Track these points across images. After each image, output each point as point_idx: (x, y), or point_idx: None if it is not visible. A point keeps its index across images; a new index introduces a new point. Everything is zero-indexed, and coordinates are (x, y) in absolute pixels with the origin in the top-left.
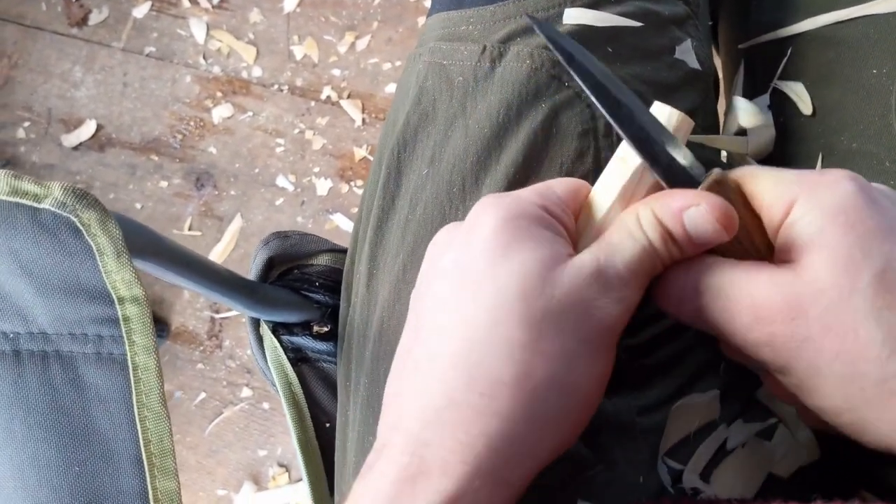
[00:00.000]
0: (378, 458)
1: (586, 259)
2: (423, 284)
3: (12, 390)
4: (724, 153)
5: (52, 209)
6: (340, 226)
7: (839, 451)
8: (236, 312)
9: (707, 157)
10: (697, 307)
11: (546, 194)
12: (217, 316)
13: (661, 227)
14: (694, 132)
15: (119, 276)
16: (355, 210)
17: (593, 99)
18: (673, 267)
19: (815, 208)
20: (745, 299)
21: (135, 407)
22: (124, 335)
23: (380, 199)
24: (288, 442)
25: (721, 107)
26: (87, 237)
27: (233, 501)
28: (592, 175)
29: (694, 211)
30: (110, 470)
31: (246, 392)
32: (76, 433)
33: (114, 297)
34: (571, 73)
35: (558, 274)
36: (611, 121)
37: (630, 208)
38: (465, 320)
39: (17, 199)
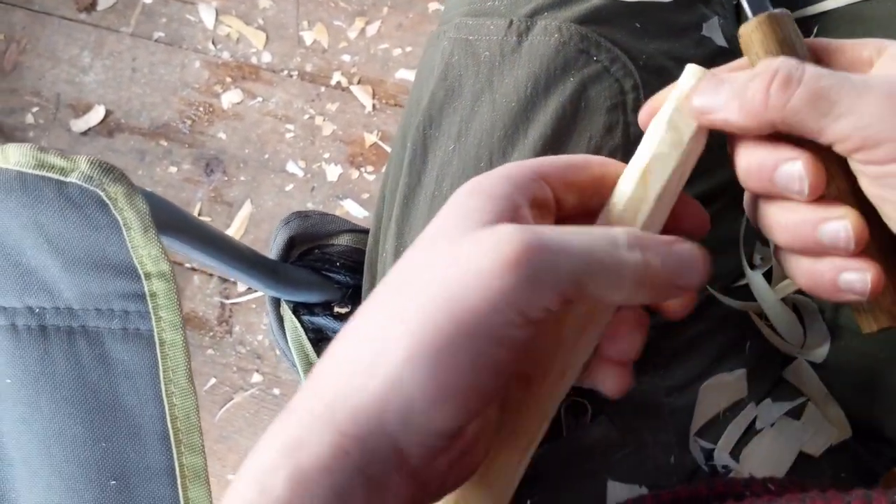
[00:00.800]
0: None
1: (512, 225)
2: None
3: (39, 366)
4: None
5: (79, 183)
6: (351, 212)
7: (870, 429)
8: (246, 298)
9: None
10: (821, 109)
11: (520, 168)
12: (227, 301)
13: (632, 238)
14: None
15: (146, 251)
16: (366, 196)
17: None
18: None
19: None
20: (877, 89)
21: (162, 383)
22: (151, 311)
23: (406, 176)
24: None
25: None
26: (113, 211)
27: None
28: (621, 150)
29: (679, 246)
30: (137, 446)
31: (256, 378)
32: (103, 409)
33: (140, 272)
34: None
35: (469, 234)
36: None
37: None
38: (386, 281)
39: (44, 173)
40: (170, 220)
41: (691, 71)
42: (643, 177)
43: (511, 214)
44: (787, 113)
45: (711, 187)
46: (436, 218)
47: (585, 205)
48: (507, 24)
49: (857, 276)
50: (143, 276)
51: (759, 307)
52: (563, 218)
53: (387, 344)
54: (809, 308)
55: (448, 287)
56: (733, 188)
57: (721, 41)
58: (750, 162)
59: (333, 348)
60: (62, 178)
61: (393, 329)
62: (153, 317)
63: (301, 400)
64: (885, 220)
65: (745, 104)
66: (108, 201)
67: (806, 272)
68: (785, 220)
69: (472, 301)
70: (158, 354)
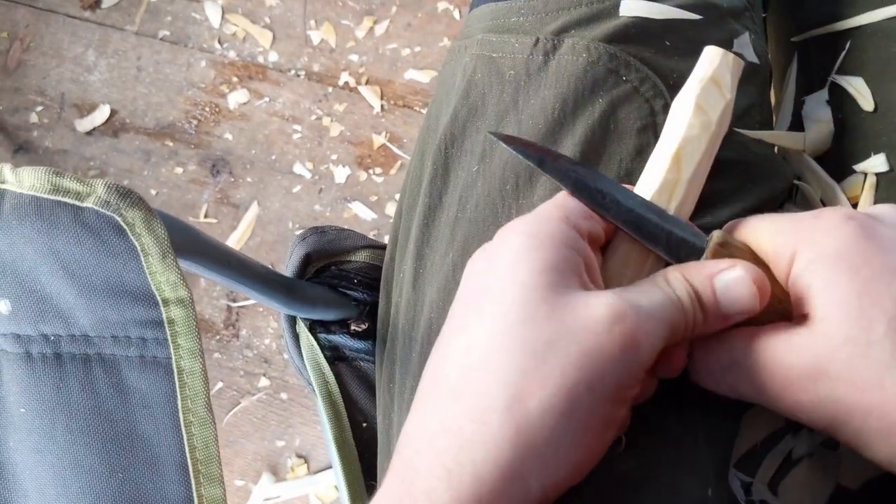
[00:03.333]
0: (381, 481)
1: (609, 293)
2: (452, 307)
3: (54, 394)
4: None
5: (96, 208)
6: (359, 214)
7: None
8: (253, 301)
9: (763, 153)
10: (729, 383)
11: (571, 203)
12: (234, 305)
13: (689, 287)
14: (750, 127)
15: (164, 277)
16: (374, 198)
17: (576, 196)
18: (701, 345)
19: (815, 258)
20: (768, 370)
21: (180, 412)
22: (169, 338)
23: (426, 195)
24: (306, 433)
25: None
26: (131, 237)
27: (251, 492)
28: None
29: (728, 275)
30: (155, 476)
31: (263, 382)
32: (119, 438)
33: (158, 298)
34: (547, 176)
35: (572, 300)
36: (597, 211)
37: (658, 272)
38: (469, 347)
39: (59, 198)
40: (185, 242)
41: (711, 52)
42: (675, 160)
43: (583, 263)
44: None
45: (744, 208)
46: (497, 265)
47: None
48: (532, 42)
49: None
50: (160, 303)
51: None
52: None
53: (526, 418)
54: None
55: (578, 364)
56: (766, 208)
57: (752, 57)
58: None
59: (441, 417)
60: (78, 203)
61: (530, 400)
62: (171, 344)
63: (429, 479)
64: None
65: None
66: (125, 227)
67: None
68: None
69: (602, 371)
70: (176, 383)
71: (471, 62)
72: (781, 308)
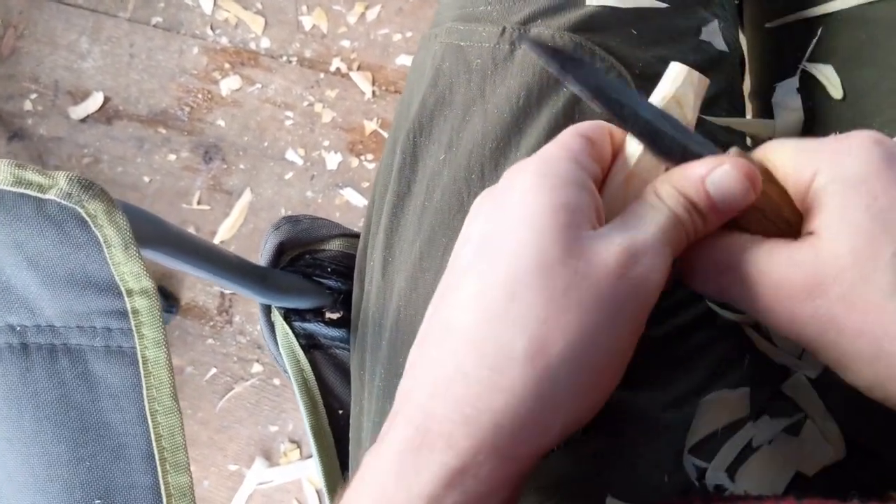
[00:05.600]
0: (389, 428)
1: (614, 231)
2: (456, 249)
3: (21, 385)
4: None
5: (58, 200)
6: (351, 200)
7: (868, 449)
8: None
9: (732, 142)
10: (721, 285)
11: (575, 144)
12: (227, 291)
13: (682, 198)
14: (719, 115)
15: (127, 268)
16: (366, 185)
17: (595, 104)
18: (697, 244)
19: (836, 178)
20: (766, 279)
21: (145, 401)
22: (133, 328)
23: (395, 183)
24: (299, 418)
25: (746, 88)
26: (93, 228)
27: (244, 477)
28: None
29: (718, 172)
30: (122, 465)
31: (257, 368)
32: (86, 428)
33: (122, 289)
34: (566, 85)
35: (585, 245)
36: (616, 121)
37: (648, 186)
38: (482, 292)
39: (22, 190)
40: (153, 233)
41: (675, 70)
42: (626, 185)
43: (593, 205)
44: None
45: None
46: (508, 206)
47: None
48: (499, 32)
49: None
50: (124, 293)
51: (755, 320)
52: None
53: (547, 368)
54: None
55: (596, 310)
56: None
57: (721, 45)
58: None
59: (458, 362)
60: (40, 195)
61: (551, 349)
62: (136, 334)
63: (447, 425)
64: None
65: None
66: (87, 218)
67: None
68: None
69: (618, 313)
70: (142, 372)
71: (440, 51)
72: (791, 231)
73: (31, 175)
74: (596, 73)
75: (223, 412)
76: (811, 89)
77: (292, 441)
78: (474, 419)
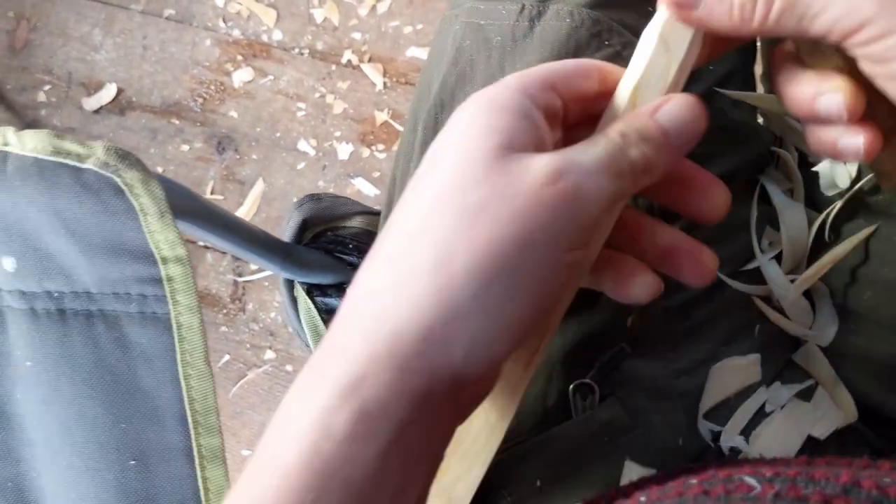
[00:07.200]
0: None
1: (552, 154)
2: None
3: (58, 349)
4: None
5: (96, 169)
6: (362, 190)
7: (879, 413)
8: (259, 276)
9: (741, 120)
10: None
11: (531, 78)
12: (240, 279)
13: (631, 130)
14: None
15: (162, 235)
16: (377, 174)
17: None
18: None
19: None
20: None
21: (179, 365)
22: (168, 295)
23: (417, 159)
24: None
25: (757, 71)
26: (129, 197)
27: None
28: None
29: (667, 105)
30: (156, 427)
31: (269, 354)
32: (122, 391)
33: (157, 256)
34: None
35: (512, 164)
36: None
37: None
38: (406, 215)
39: (61, 159)
40: (185, 205)
41: (661, 13)
42: (634, 94)
43: (533, 132)
44: (769, 27)
45: (720, 172)
46: (450, 133)
47: (588, 112)
48: (518, 9)
49: (853, 141)
50: (159, 261)
51: (767, 291)
52: (568, 126)
53: (451, 278)
54: (821, 291)
55: (509, 225)
56: (742, 173)
57: None
58: (792, 93)
59: (370, 281)
60: (79, 164)
61: (456, 260)
62: (170, 300)
63: (346, 338)
64: (892, 96)
65: (730, 21)
66: (124, 187)
67: (814, 138)
68: (790, 94)
69: (535, 230)
70: (176, 337)
71: (460, 30)
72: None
73: (70, 145)
74: None
75: (236, 398)
76: None
77: None
78: (373, 329)
